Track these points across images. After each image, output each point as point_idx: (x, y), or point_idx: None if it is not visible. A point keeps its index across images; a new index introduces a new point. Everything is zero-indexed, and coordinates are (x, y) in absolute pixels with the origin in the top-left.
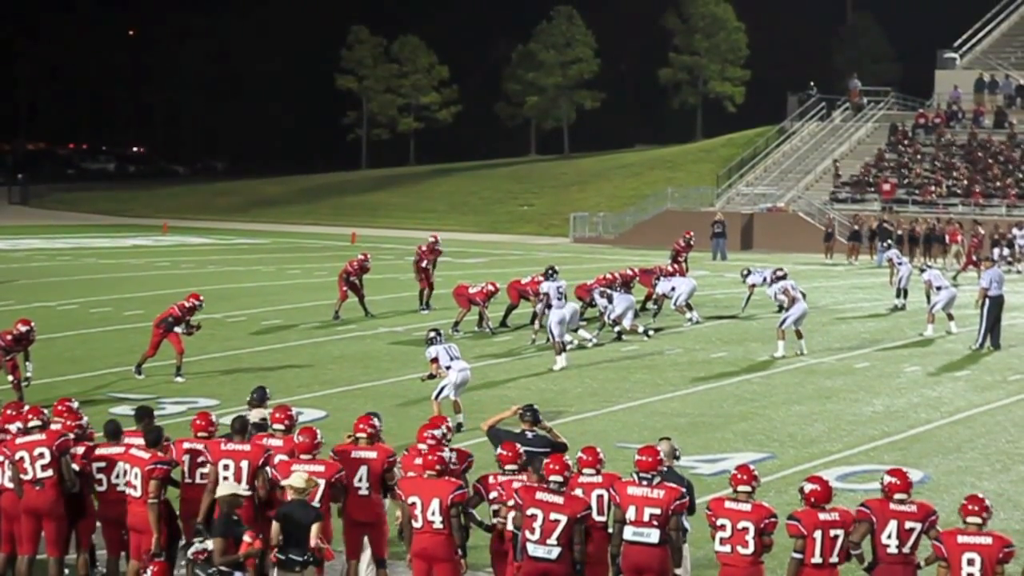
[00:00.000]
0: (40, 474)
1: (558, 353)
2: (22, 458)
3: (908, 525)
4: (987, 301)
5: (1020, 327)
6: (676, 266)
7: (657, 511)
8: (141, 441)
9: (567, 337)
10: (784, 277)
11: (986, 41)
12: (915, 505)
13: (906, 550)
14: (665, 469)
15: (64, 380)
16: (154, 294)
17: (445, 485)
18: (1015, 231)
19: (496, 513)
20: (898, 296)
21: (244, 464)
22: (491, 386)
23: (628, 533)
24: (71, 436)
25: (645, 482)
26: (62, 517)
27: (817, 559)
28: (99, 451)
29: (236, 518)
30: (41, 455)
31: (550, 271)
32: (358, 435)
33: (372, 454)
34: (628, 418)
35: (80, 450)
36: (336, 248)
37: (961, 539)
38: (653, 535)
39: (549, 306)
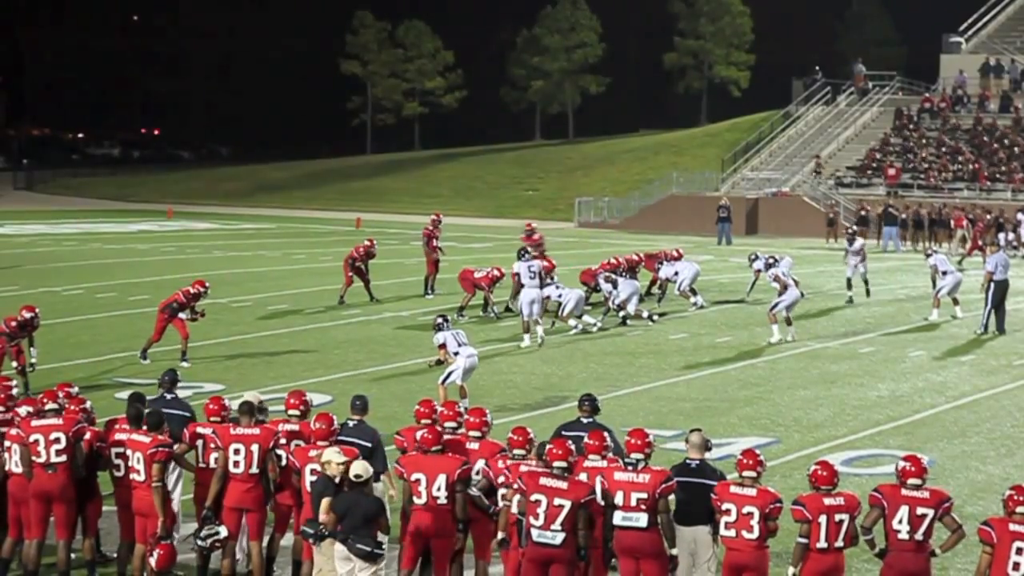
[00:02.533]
0: (54, 459)
1: (525, 331)
2: (36, 441)
3: (920, 511)
4: (992, 285)
5: None
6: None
7: (643, 495)
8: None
9: (572, 322)
10: (776, 264)
11: (991, 25)
12: (928, 491)
13: (918, 536)
14: (696, 463)
15: (69, 365)
16: (160, 279)
17: (451, 461)
18: (1020, 216)
19: (504, 497)
20: (849, 288)
21: (255, 448)
22: (496, 371)
23: (617, 518)
24: (85, 423)
25: (631, 467)
26: (72, 501)
27: (822, 544)
28: (116, 436)
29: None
30: (57, 440)
31: (522, 252)
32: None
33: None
34: (633, 403)
35: (87, 435)
36: (341, 233)
37: (1013, 527)
38: (641, 519)
39: (523, 285)
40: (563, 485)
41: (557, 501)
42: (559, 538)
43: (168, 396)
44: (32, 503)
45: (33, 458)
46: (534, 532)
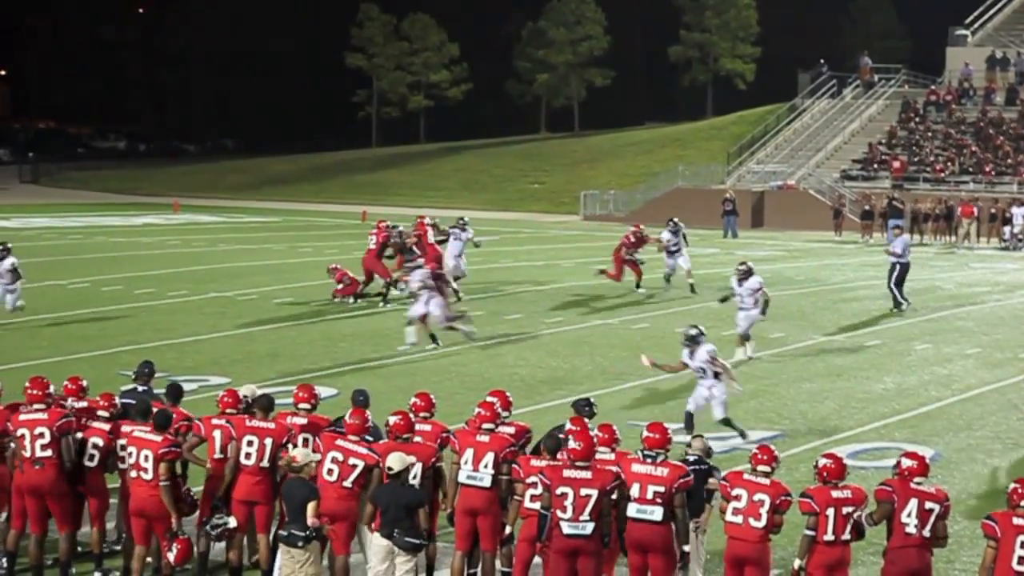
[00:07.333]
0: (39, 453)
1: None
2: (23, 436)
3: (928, 505)
4: (898, 267)
5: None
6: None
7: (661, 489)
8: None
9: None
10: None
11: (997, 18)
12: (934, 488)
13: (925, 532)
14: (695, 457)
15: (76, 359)
16: (165, 272)
17: (424, 449)
18: (1014, 210)
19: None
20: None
21: (268, 441)
22: (502, 364)
23: (632, 510)
24: (73, 417)
25: (650, 460)
26: (66, 494)
27: (829, 536)
28: (123, 429)
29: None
30: (41, 435)
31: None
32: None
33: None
34: (639, 396)
35: (74, 426)
36: (347, 226)
37: (1017, 521)
38: (656, 513)
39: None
40: (587, 475)
41: (584, 491)
42: (589, 528)
43: (141, 388)
44: (27, 499)
45: (23, 453)
46: (564, 525)
